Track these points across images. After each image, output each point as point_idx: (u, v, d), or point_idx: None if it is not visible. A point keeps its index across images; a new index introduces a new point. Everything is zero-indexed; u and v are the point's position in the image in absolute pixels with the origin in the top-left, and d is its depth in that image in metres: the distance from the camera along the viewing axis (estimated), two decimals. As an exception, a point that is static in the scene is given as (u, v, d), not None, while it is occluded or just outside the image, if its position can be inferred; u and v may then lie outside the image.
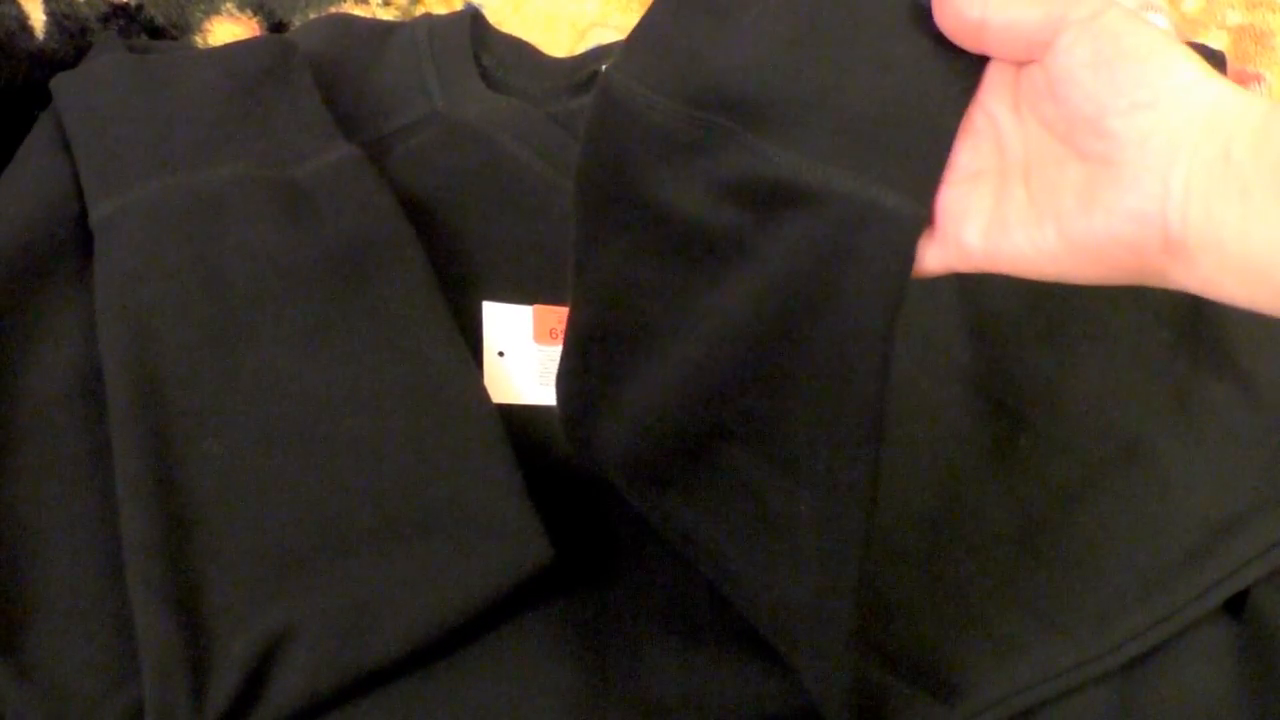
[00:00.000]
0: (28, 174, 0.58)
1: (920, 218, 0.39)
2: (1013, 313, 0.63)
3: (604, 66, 0.68)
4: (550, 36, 0.74)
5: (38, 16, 0.64)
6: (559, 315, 0.62)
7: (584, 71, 0.70)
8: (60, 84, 0.60)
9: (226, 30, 0.71)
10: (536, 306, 0.62)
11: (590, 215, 0.46)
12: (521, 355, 0.61)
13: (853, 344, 0.40)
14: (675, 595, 0.54)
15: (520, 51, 0.71)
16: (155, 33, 0.70)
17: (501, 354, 0.61)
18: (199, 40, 0.71)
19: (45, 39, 0.64)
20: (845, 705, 0.47)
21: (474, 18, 0.70)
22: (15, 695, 0.47)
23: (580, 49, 0.74)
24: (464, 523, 0.52)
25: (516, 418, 0.56)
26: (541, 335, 0.62)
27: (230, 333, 0.53)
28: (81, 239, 0.56)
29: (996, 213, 0.39)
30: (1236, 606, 0.56)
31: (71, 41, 0.65)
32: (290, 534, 0.50)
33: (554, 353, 0.62)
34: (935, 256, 0.40)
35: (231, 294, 0.54)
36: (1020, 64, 0.39)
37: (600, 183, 0.45)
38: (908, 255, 0.39)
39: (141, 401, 0.51)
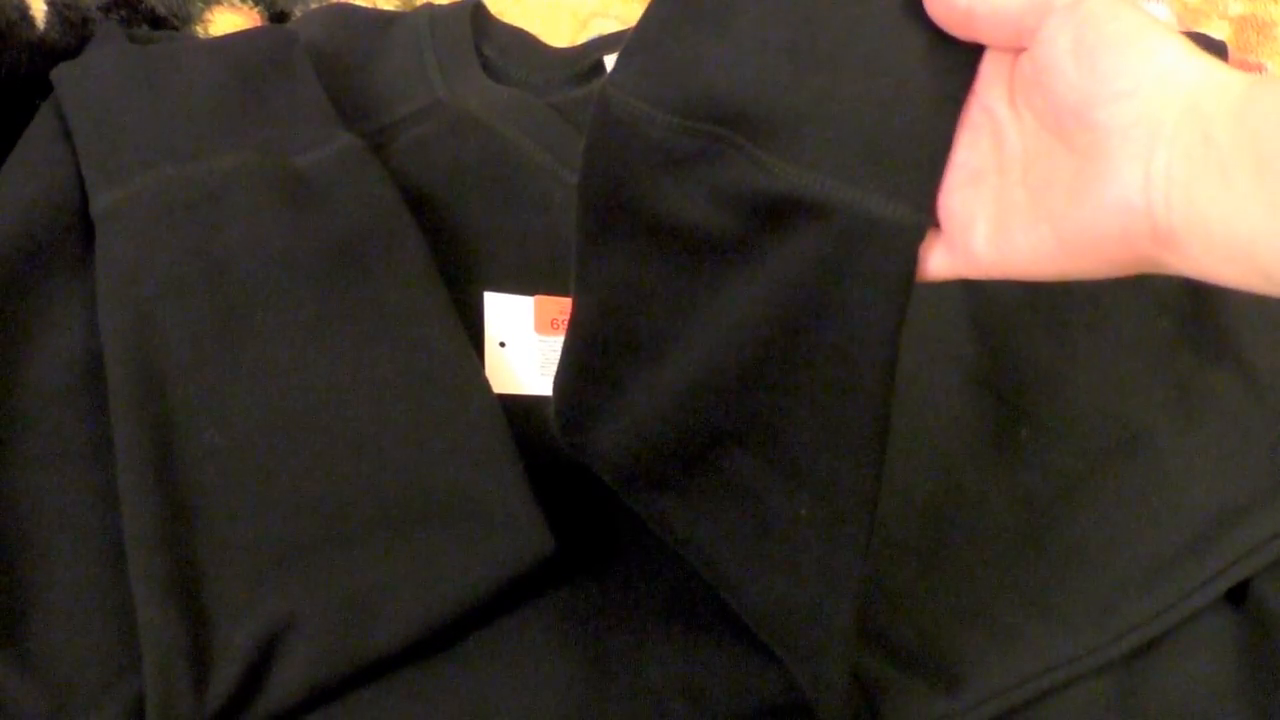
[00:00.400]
0: (29, 165, 0.58)
1: (920, 226, 0.39)
2: (1014, 303, 0.63)
3: (605, 57, 0.68)
4: (551, 26, 0.74)
5: (39, 6, 0.64)
6: (560, 306, 0.62)
7: (586, 61, 0.70)
8: (61, 74, 0.60)
9: (228, 20, 0.71)
10: (538, 297, 0.62)
11: (592, 225, 0.46)
12: (523, 346, 0.61)
13: (857, 353, 0.40)
14: (676, 586, 0.54)
15: (522, 41, 0.71)
16: (156, 23, 0.69)
17: (503, 344, 0.61)
18: (200, 30, 0.70)
19: (46, 29, 0.64)
20: (840, 706, 0.47)
21: (475, 8, 0.70)
22: (16, 686, 0.47)
23: (582, 39, 0.73)
24: (466, 513, 0.52)
25: (518, 408, 0.56)
26: (543, 326, 0.62)
27: (231, 323, 0.53)
28: (83, 230, 0.56)
29: (999, 216, 0.38)
30: (1238, 597, 0.56)
31: (73, 31, 0.65)
32: (291, 524, 0.50)
33: (555, 343, 0.62)
34: (943, 263, 0.40)
35: (233, 284, 0.54)
36: (1015, 52, 0.38)
37: (602, 194, 0.45)
38: (909, 265, 0.39)
39: (142, 392, 0.51)
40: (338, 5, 0.71)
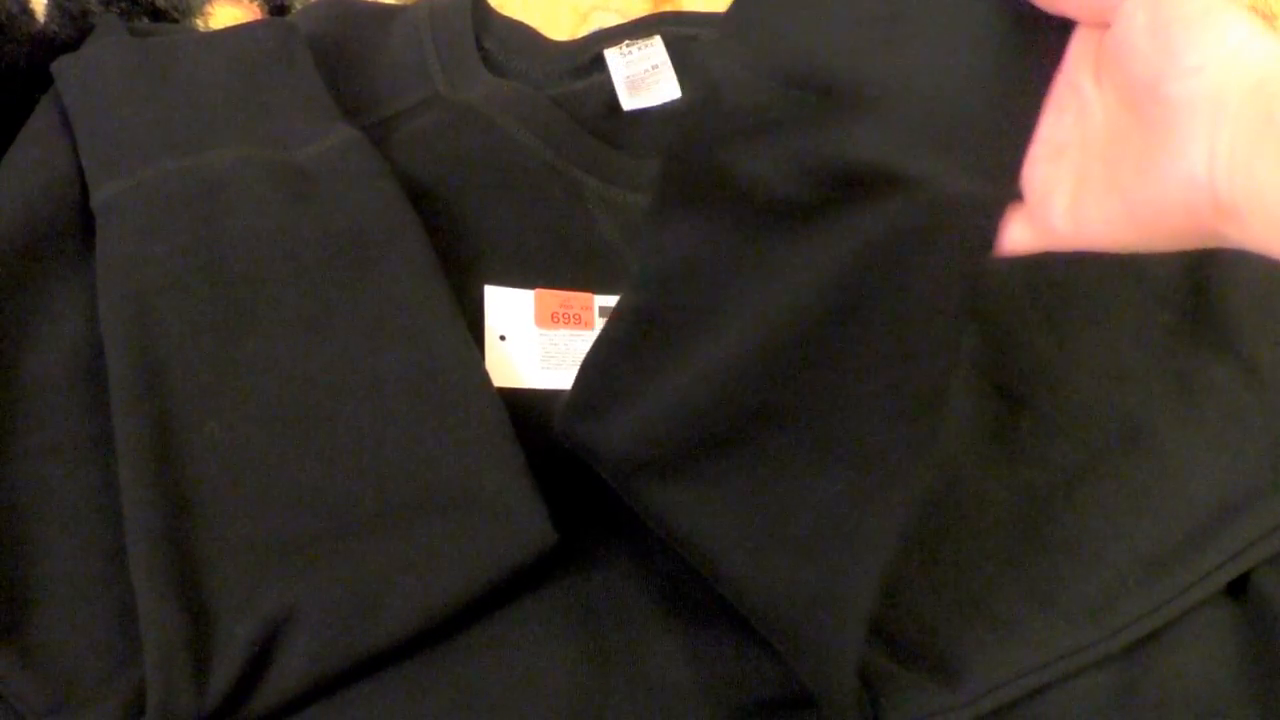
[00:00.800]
0: (29, 157, 0.58)
1: (1000, 202, 0.40)
2: (1015, 296, 0.63)
3: (606, 50, 0.68)
4: (551, 20, 0.74)
5: (39, -1, 0.64)
6: (561, 299, 0.62)
7: (586, 54, 0.70)
8: (61, 67, 0.60)
9: (228, 13, 0.71)
10: (538, 290, 0.62)
11: (670, 192, 0.47)
12: (523, 339, 0.61)
13: (926, 323, 0.41)
14: (677, 578, 0.54)
15: (522, 34, 0.71)
16: (156, 15, 0.69)
17: (503, 338, 0.61)
18: (200, 23, 0.70)
19: (46, 21, 0.64)
20: (847, 698, 0.48)
21: (475, 1, 0.70)
22: (17, 679, 0.47)
23: (581, 32, 0.73)
24: (467, 506, 0.52)
25: (518, 402, 0.56)
26: (543, 319, 0.62)
27: (232, 315, 0.53)
28: (83, 222, 0.56)
29: (1076, 190, 0.40)
30: (1238, 589, 0.56)
31: (73, 24, 0.65)
32: (292, 517, 0.50)
33: (556, 337, 0.62)
34: (1023, 236, 0.41)
35: (233, 277, 0.54)
36: (1101, 28, 0.39)
37: (687, 159, 0.46)
38: (986, 239, 0.40)
39: (143, 384, 0.51)
40: None
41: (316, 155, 0.58)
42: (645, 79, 0.70)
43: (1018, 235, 0.41)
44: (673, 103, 0.69)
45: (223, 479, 0.50)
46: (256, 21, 0.66)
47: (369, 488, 0.51)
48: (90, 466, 0.52)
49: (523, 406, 0.56)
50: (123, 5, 0.68)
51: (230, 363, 0.52)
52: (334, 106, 0.61)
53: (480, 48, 0.69)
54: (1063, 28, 0.40)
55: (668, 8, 0.74)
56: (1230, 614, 0.55)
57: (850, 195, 0.42)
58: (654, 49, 0.70)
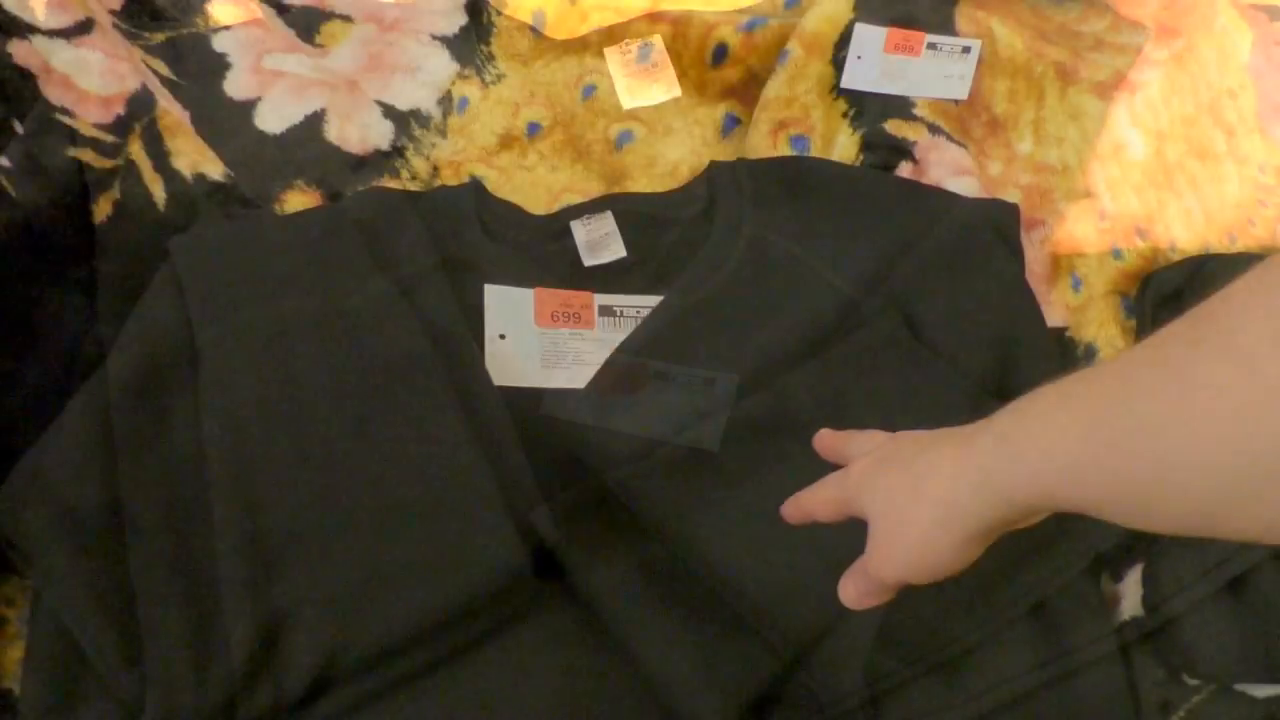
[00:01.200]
0: (152, 310, 0.58)
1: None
2: (1016, 299, 0.64)
3: (573, 223, 0.67)
4: (552, 18, 0.74)
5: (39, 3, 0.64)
6: (561, 298, 0.62)
7: (558, 225, 0.69)
8: (176, 245, 0.60)
9: (227, 12, 0.70)
10: (538, 289, 0.62)
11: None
12: (523, 338, 0.61)
13: (960, 324, 0.45)
14: (677, 575, 0.54)
15: (510, 210, 0.71)
16: (156, 14, 0.70)
17: (502, 336, 0.61)
18: (200, 21, 0.70)
19: (46, 18, 0.64)
20: (849, 698, 0.48)
21: (476, 187, 0.69)
22: (20, 681, 0.48)
23: (582, 30, 0.74)
24: (467, 505, 0.52)
25: (518, 401, 0.56)
26: (543, 318, 0.62)
27: (231, 313, 0.54)
28: (191, 356, 0.56)
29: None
30: (1238, 586, 0.56)
31: (72, 22, 0.65)
32: (291, 516, 0.50)
33: (556, 336, 0.61)
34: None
35: (233, 276, 0.54)
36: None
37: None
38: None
39: (142, 385, 0.52)
40: (377, 188, 0.70)
41: (358, 304, 0.58)
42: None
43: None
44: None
45: (222, 478, 0.50)
46: (316, 209, 0.66)
47: (368, 486, 0.51)
48: (91, 465, 0.52)
49: (523, 406, 0.56)
50: (124, 4, 0.68)
51: (229, 361, 0.53)
52: (372, 266, 0.61)
53: (480, 222, 0.68)
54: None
55: (666, 7, 0.74)
56: (1231, 610, 0.56)
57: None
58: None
